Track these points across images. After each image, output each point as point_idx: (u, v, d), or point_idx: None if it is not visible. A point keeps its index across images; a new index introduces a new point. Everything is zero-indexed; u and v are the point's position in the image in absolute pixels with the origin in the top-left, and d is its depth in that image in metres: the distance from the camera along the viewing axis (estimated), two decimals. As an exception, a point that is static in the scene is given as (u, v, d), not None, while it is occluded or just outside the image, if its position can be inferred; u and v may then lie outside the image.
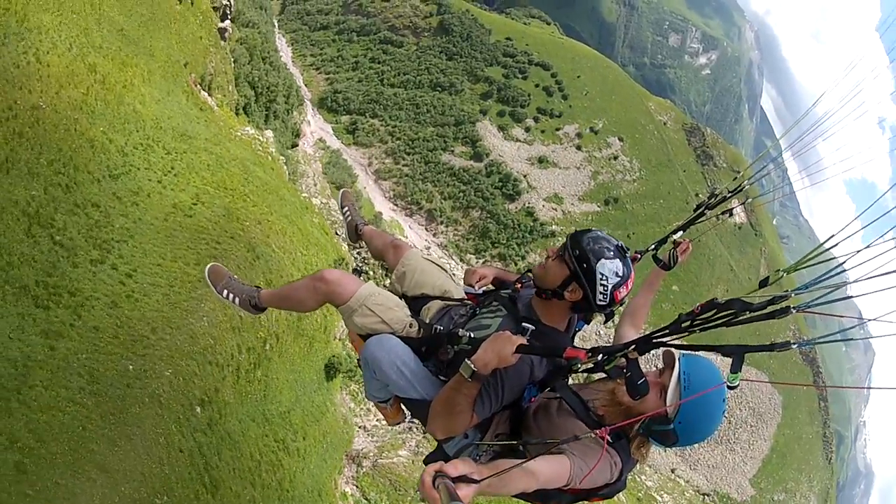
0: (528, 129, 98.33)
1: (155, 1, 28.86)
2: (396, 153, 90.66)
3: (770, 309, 2.60)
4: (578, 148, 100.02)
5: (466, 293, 4.45)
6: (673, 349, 3.21)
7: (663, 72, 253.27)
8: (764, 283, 2.98)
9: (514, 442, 3.46)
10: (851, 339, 2.62)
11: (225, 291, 4.90)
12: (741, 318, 2.69)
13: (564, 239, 3.58)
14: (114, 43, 24.01)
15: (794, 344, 2.57)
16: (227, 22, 41.22)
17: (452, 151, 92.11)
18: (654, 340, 3.03)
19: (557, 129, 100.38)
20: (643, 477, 66.98)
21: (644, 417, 3.30)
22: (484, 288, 4.48)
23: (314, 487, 22.07)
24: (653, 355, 3.66)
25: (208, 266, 5.10)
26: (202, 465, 16.77)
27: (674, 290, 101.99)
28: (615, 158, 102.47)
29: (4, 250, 14.87)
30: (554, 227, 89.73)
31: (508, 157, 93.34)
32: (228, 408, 18.36)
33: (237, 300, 4.85)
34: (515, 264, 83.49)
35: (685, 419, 3.27)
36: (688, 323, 2.88)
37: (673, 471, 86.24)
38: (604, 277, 3.43)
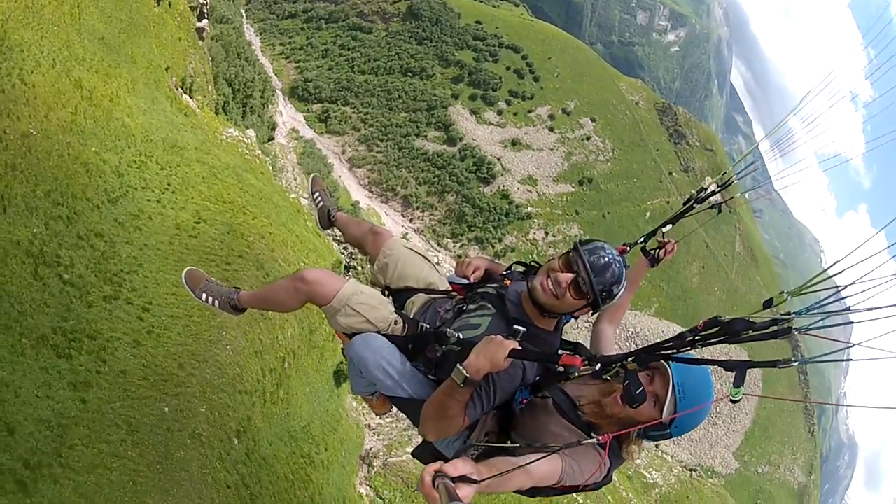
0: (500, 112, 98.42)
1: (133, 5, 27.88)
2: (370, 140, 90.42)
3: (772, 329, 2.60)
4: (551, 129, 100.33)
5: (451, 283, 4.37)
6: (670, 361, 3.17)
7: (632, 50, 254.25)
8: (768, 304, 2.87)
9: (506, 446, 3.42)
10: (850, 360, 2.64)
11: (204, 295, 4.88)
12: (744, 336, 2.67)
13: (579, 269, 3.41)
14: (96, 53, 23.25)
15: (794, 361, 2.62)
16: (205, 21, 40.94)
17: (426, 136, 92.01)
18: (656, 353, 3.02)
19: (530, 112, 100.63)
20: (629, 454, 67.69)
21: (640, 427, 3.33)
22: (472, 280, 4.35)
23: (339, 496, 21.97)
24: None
25: (185, 271, 5.12)
26: (248, 497, 16.50)
27: (650, 270, 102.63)
28: (588, 139, 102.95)
29: (14, 299, 13.99)
30: (529, 208, 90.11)
31: (482, 140, 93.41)
32: (260, 433, 18.00)
33: (216, 303, 4.83)
34: (493, 247, 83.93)
35: (681, 424, 3.32)
36: (691, 339, 2.87)
37: (657, 446, 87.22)
38: (619, 296, 3.48)
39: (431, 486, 2.27)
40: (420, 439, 4.10)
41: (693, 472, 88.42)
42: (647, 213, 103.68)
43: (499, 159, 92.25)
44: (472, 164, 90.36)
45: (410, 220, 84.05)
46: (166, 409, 14.89)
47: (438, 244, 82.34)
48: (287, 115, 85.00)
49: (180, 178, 21.72)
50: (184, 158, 22.99)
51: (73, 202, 17.06)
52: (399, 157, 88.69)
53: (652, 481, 60.23)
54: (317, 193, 5.51)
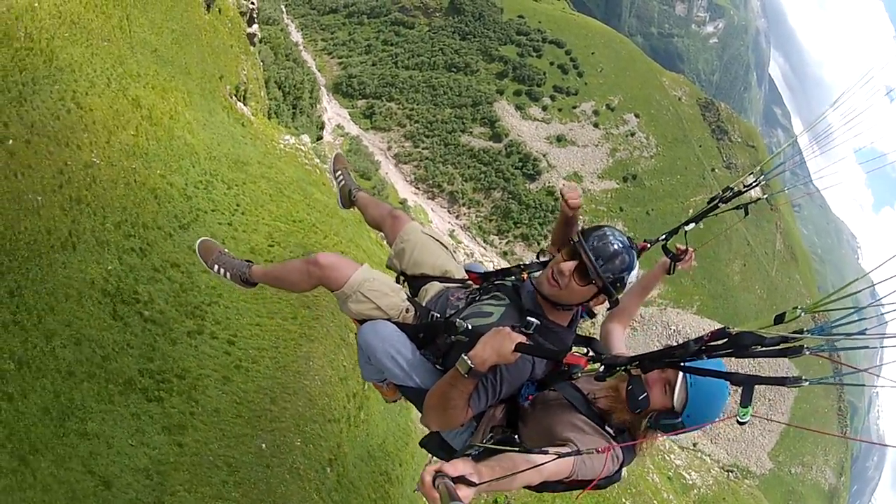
0: (545, 108, 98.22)
1: (184, 14, 27.69)
2: (415, 136, 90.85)
3: (782, 346, 2.52)
4: (595, 125, 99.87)
5: (468, 271, 4.28)
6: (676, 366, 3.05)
7: (671, 41, 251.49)
8: (780, 319, 2.77)
9: (509, 449, 3.09)
10: (863, 385, 2.75)
11: (216, 266, 4.85)
12: (751, 351, 2.59)
13: (581, 254, 3.30)
14: (150, 67, 23.00)
15: (805, 380, 2.52)
16: (255, 26, 40.94)
17: (471, 133, 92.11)
18: (660, 361, 2.97)
19: (574, 107, 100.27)
20: (672, 456, 67.51)
21: (650, 412, 3.28)
22: (485, 270, 4.30)
23: (413, 510, 21.97)
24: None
25: (199, 241, 5.06)
26: (342, 525, 16.54)
27: (693, 266, 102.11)
28: (632, 135, 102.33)
29: (95, 343, 13.48)
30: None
31: (527, 136, 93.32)
32: (347, 458, 17.63)
33: (228, 275, 4.81)
34: (538, 244, 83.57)
35: (693, 411, 3.23)
36: (696, 349, 2.78)
37: (695, 445, 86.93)
38: (631, 283, 3.40)
39: (432, 486, 2.25)
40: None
41: (730, 474, 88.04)
42: (691, 210, 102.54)
43: (544, 155, 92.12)
44: (518, 160, 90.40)
45: (457, 217, 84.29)
46: (263, 445, 14.75)
47: (484, 241, 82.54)
48: (332, 112, 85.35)
49: (248, 198, 21.65)
50: (248, 175, 22.84)
51: (145, 232, 16.69)
52: (445, 154, 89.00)
53: (691, 482, 60.01)
54: (339, 172, 5.46)
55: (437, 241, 4.43)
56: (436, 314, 3.84)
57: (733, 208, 4.89)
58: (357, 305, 3.87)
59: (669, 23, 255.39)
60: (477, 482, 2.36)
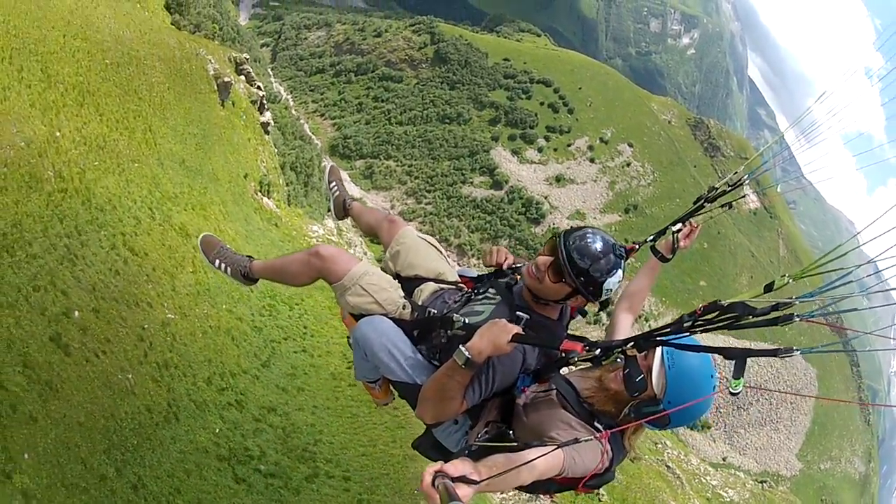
0: (540, 150, 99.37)
1: (202, 115, 27.88)
2: (417, 192, 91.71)
3: (773, 315, 2.52)
4: (592, 160, 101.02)
5: (461, 276, 4.31)
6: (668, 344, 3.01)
7: (650, 59, 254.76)
8: (769, 288, 2.74)
9: (506, 444, 3.23)
10: (853, 350, 2.75)
11: (217, 261, 4.88)
12: (743, 322, 2.58)
13: (557, 249, 3.36)
14: (183, 182, 22.97)
15: (797, 350, 2.47)
16: (268, 114, 41.26)
17: (472, 183, 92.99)
18: (654, 339, 2.95)
19: (569, 145, 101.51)
20: (707, 478, 67.62)
21: (634, 401, 3.25)
22: (479, 272, 4.34)
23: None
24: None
25: (200, 236, 5.08)
26: None
27: (702, 286, 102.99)
28: (628, 165, 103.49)
29: None
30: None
31: (527, 180, 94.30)
32: None
33: (229, 270, 4.82)
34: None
35: (674, 398, 3.16)
36: (689, 323, 2.76)
37: (724, 459, 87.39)
38: (609, 290, 3.39)
39: (431, 485, 2.26)
40: (419, 432, 4.11)
41: (763, 484, 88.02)
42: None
43: (545, 198, 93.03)
44: (521, 205, 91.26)
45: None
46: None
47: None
48: (324, 163, 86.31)
49: (311, 316, 21.84)
50: (301, 289, 22.19)
51: (234, 381, 16.79)
52: (448, 207, 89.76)
53: (729, 499, 59.90)
54: (333, 183, 5.47)
55: (432, 245, 4.50)
56: (432, 310, 3.91)
57: (720, 206, 4.80)
58: (355, 298, 3.92)
59: (646, 41, 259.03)
60: (477, 481, 2.39)
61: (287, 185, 43.47)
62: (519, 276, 3.88)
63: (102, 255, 15.97)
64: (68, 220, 15.54)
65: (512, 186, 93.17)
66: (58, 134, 17.33)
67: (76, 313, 13.54)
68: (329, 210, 5.79)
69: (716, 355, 2.84)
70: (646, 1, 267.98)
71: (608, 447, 3.22)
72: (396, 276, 4.27)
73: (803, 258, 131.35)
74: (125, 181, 19.32)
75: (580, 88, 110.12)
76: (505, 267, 4.00)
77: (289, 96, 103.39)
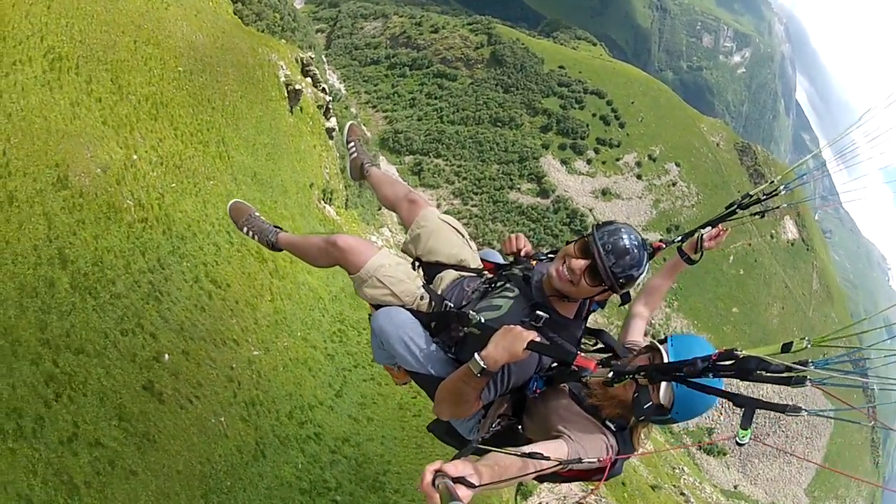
0: (589, 161, 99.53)
1: (272, 123, 28.14)
2: (464, 194, 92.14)
3: (787, 375, 2.53)
4: (639, 177, 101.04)
5: (484, 260, 4.27)
6: (672, 380, 3.07)
7: (700, 74, 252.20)
8: (787, 348, 2.72)
9: (508, 451, 2.95)
10: (859, 423, 2.71)
11: (245, 228, 4.95)
12: (755, 377, 2.61)
13: (593, 253, 3.32)
14: (255, 196, 23.10)
15: (805, 410, 2.50)
16: (333, 120, 41.46)
17: (519, 189, 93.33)
18: (668, 374, 3.01)
19: (617, 160, 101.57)
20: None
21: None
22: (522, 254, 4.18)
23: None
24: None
25: (230, 203, 5.15)
26: None
27: (734, 312, 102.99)
28: (674, 185, 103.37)
29: None
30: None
31: (573, 191, 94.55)
32: None
33: (257, 237, 4.88)
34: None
35: (681, 409, 3.20)
36: (703, 367, 2.81)
37: (735, 487, 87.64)
38: (639, 284, 3.45)
39: (431, 485, 2.26)
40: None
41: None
42: (731, 257, 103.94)
43: (591, 210, 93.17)
44: (566, 216, 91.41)
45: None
46: None
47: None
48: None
49: None
50: (367, 309, 23.11)
51: (312, 413, 17.38)
52: (494, 211, 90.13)
53: None
54: (352, 143, 5.32)
55: (454, 228, 4.41)
56: (450, 304, 3.86)
57: (753, 214, 4.83)
58: (372, 290, 3.92)
59: (698, 55, 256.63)
60: (476, 483, 2.38)
61: (346, 188, 44.07)
62: (535, 263, 3.90)
63: (187, 290, 16.42)
64: (150, 253, 15.85)
65: (558, 196, 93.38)
66: (135, 157, 17.59)
67: (166, 356, 13.98)
68: (345, 170, 5.59)
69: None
70: (700, 15, 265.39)
71: (612, 441, 3.23)
72: (417, 260, 4.27)
73: (834, 294, 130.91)
74: (202, 202, 19.67)
75: (633, 103, 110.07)
76: (523, 254, 4.03)
77: (342, 86, 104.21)
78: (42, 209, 13.44)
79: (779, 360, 2.59)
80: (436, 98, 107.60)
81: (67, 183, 14.50)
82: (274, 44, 34.08)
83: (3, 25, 15.95)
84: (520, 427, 3.58)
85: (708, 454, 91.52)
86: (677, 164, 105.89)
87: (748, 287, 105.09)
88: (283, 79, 31.24)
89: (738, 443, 2.62)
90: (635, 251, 3.28)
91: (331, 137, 40.39)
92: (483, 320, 3.50)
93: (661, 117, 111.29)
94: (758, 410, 2.69)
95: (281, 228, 4.86)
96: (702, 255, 4.56)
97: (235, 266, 19.14)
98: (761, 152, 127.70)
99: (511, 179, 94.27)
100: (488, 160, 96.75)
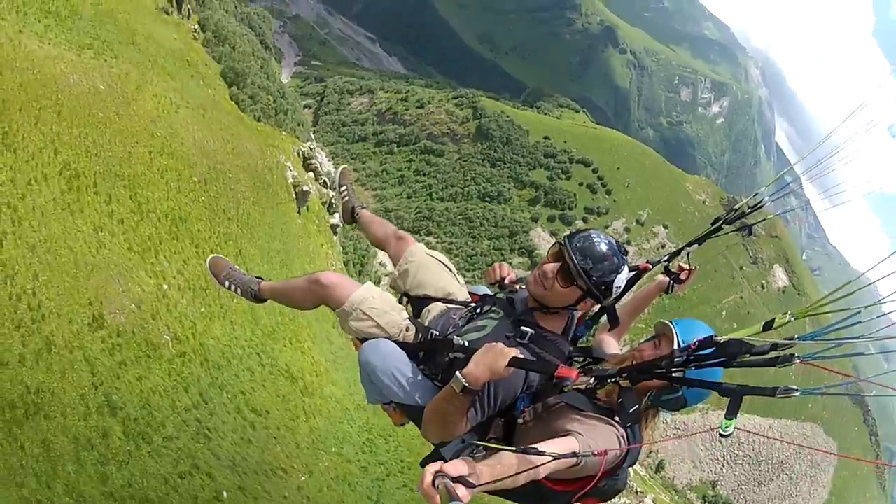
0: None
1: (283, 228, 28.69)
2: (457, 271, 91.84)
3: (772, 355, 2.46)
4: (628, 243, 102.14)
5: (471, 294, 4.26)
6: (667, 379, 3.04)
7: (681, 129, 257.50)
8: (769, 326, 2.62)
9: (511, 449, 2.89)
10: (856, 395, 2.59)
11: (227, 282, 4.80)
12: (740, 360, 2.56)
13: (565, 255, 3.35)
14: (274, 307, 22.57)
15: (796, 390, 2.33)
16: (336, 215, 42.14)
17: (511, 263, 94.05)
18: (648, 372, 3.00)
19: (606, 227, 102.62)
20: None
21: (651, 389, 3.28)
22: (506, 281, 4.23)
23: None
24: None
25: (209, 259, 5.01)
26: None
27: (687, 285, 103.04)
28: (663, 247, 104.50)
29: None
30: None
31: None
32: None
33: (239, 290, 4.73)
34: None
35: (692, 389, 3.12)
36: (682, 359, 2.80)
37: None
38: (618, 288, 3.41)
39: (431, 486, 2.26)
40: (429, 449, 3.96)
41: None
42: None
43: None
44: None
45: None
46: None
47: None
48: (379, 257, 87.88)
49: (406, 448, 22.57)
50: (375, 413, 22.86)
51: None
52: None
53: None
54: (344, 187, 5.37)
55: (441, 262, 4.46)
56: (435, 332, 3.86)
57: (737, 230, 4.75)
58: (357, 323, 3.88)
59: (677, 110, 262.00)
60: (476, 483, 2.37)
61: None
62: (520, 287, 3.93)
63: (231, 423, 16.76)
64: (192, 388, 16.24)
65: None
66: (165, 287, 17.91)
67: (225, 494, 14.13)
68: (336, 212, 5.51)
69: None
70: (677, 69, 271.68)
71: (621, 432, 3.16)
72: (405, 295, 4.28)
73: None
74: (230, 324, 20.18)
75: (618, 168, 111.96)
76: (507, 282, 4.08)
77: (331, 163, 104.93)
78: (82, 354, 13.60)
79: (763, 341, 2.54)
80: (424, 175, 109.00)
81: (103, 322, 14.74)
82: (278, 141, 34.98)
83: (12, 135, 16.30)
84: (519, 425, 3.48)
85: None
86: (665, 227, 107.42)
87: (709, 260, 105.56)
88: (290, 180, 32.16)
89: (721, 434, 2.52)
90: (611, 257, 3.33)
91: (335, 233, 41.30)
92: (466, 343, 3.52)
93: (647, 180, 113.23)
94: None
95: (262, 279, 4.79)
96: (671, 290, 4.59)
97: (270, 390, 19.61)
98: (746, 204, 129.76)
99: (502, 254, 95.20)
100: (479, 236, 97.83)
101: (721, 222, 4.52)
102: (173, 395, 15.22)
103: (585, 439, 2.91)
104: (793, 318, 2.58)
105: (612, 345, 4.11)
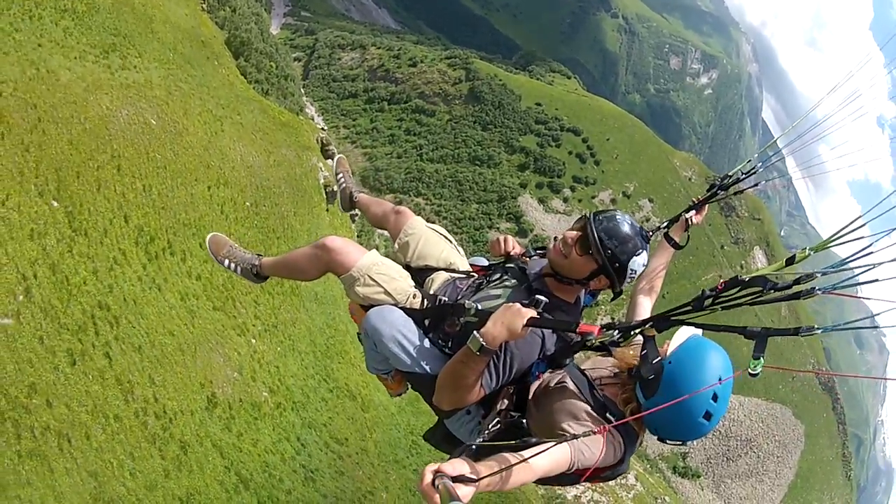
0: (566, 200, 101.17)
1: (318, 233, 28.58)
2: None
3: (796, 289, 2.52)
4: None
5: (472, 265, 4.22)
6: (690, 327, 3.04)
7: (668, 97, 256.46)
8: (790, 262, 2.71)
9: (510, 443, 2.83)
10: (878, 327, 2.58)
11: (226, 261, 4.72)
12: (765, 297, 2.60)
13: (586, 226, 3.41)
14: (321, 320, 23.59)
15: (818, 329, 2.40)
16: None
17: (498, 228, 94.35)
18: (673, 318, 2.97)
19: (593, 197, 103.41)
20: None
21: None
22: (491, 261, 4.25)
23: None
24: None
25: (209, 236, 4.94)
26: None
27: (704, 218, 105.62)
28: (647, 220, 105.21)
29: None
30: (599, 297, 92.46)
31: (550, 230, 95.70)
32: None
33: (238, 269, 4.69)
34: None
35: (687, 363, 3.01)
36: (710, 301, 2.80)
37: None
38: (634, 272, 3.40)
39: (431, 485, 2.23)
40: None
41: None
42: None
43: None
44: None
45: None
46: None
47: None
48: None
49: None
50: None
51: None
52: (474, 251, 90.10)
53: None
54: (340, 175, 5.35)
55: (442, 234, 4.40)
56: (443, 298, 3.81)
57: (733, 193, 4.87)
58: (365, 289, 3.83)
59: (665, 77, 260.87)
60: (476, 479, 2.36)
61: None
62: (529, 260, 3.91)
63: (325, 459, 17.82)
64: (291, 436, 17.30)
65: (536, 235, 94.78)
66: (253, 341, 18.55)
67: None
68: (336, 202, 5.30)
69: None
70: (668, 38, 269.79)
71: (619, 438, 3.14)
72: (406, 268, 4.16)
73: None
74: (299, 355, 20.98)
75: (608, 139, 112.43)
76: (514, 254, 3.98)
77: (321, 119, 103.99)
78: (210, 441, 14.31)
79: (785, 276, 2.61)
80: (415, 135, 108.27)
81: (216, 400, 15.44)
82: (304, 136, 35.61)
83: (78, 213, 16.06)
84: (523, 423, 3.44)
85: (682, 477, 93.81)
86: (650, 200, 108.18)
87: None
88: (322, 181, 32.89)
89: (750, 373, 2.53)
90: (633, 238, 3.36)
91: (353, 221, 43.85)
92: (480, 307, 3.45)
93: (636, 153, 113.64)
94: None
95: (261, 255, 4.74)
96: (688, 239, 4.59)
97: (342, 415, 20.34)
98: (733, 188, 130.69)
99: (490, 219, 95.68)
100: (468, 199, 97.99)
101: (717, 188, 4.65)
102: (280, 447, 16.13)
103: (578, 445, 2.89)
104: (812, 252, 2.74)
105: (646, 308, 4.09)
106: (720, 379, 2.87)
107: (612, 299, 3.69)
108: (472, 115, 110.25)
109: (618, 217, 3.40)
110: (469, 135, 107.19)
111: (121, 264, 16.22)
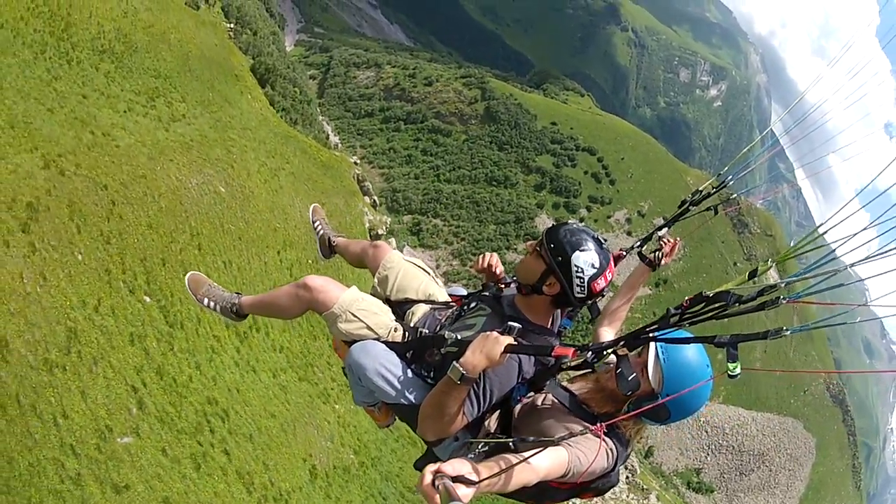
0: (582, 220, 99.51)
1: (366, 274, 28.76)
2: (463, 255, 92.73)
3: (760, 300, 2.54)
4: (629, 234, 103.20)
5: (451, 295, 4.32)
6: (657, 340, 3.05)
7: (678, 110, 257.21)
8: (753, 275, 2.81)
9: (506, 439, 3.17)
10: (847, 323, 2.61)
11: (205, 300, 4.69)
12: (731, 310, 2.62)
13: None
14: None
15: (786, 330, 2.41)
16: (387, 219, 43.78)
17: (516, 250, 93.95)
18: (643, 336, 2.99)
19: (609, 217, 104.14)
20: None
21: (631, 398, 3.27)
22: (469, 291, 4.35)
23: None
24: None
25: (187, 275, 4.89)
26: None
27: (677, 256, 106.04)
28: (661, 238, 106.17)
29: None
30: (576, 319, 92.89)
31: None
32: None
33: (218, 307, 4.68)
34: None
35: (671, 389, 3.18)
36: (676, 317, 2.83)
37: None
38: (580, 270, 3.36)
39: (431, 486, 2.24)
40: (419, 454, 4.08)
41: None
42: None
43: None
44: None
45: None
46: None
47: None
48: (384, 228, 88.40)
49: None
50: None
51: None
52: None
53: None
54: (317, 222, 5.40)
55: (420, 266, 4.45)
56: (424, 330, 3.86)
57: (706, 209, 4.97)
58: (347, 325, 3.87)
59: (674, 90, 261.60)
60: (476, 480, 2.37)
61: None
62: (504, 286, 3.94)
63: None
64: (376, 493, 17.79)
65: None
66: (338, 408, 19.15)
67: None
68: (317, 252, 5.50)
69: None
70: (677, 51, 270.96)
71: (612, 445, 3.20)
72: (386, 301, 4.22)
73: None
74: (350, 404, 20.10)
75: (622, 159, 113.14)
76: (497, 271, 4.04)
77: (337, 138, 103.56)
78: None
79: (749, 289, 2.66)
80: (431, 155, 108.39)
81: (316, 471, 15.94)
82: (348, 180, 36.58)
83: (170, 304, 15.75)
84: (511, 445, 3.20)
85: (697, 492, 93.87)
86: (664, 219, 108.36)
87: (688, 233, 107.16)
88: (367, 225, 34.02)
89: (730, 375, 2.59)
90: (585, 235, 3.43)
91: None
92: (458, 337, 3.48)
93: (650, 172, 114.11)
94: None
95: (241, 294, 4.72)
96: (659, 265, 4.71)
97: (409, 462, 19.71)
98: (744, 201, 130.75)
99: (508, 240, 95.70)
100: (485, 220, 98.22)
101: (688, 204, 4.88)
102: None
103: (574, 450, 2.96)
104: (773, 264, 2.84)
105: (609, 336, 4.13)
106: (707, 365, 3.25)
107: (574, 312, 3.88)
108: (488, 135, 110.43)
109: (570, 222, 3.53)
110: (486, 155, 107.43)
111: (218, 352, 16.09)
